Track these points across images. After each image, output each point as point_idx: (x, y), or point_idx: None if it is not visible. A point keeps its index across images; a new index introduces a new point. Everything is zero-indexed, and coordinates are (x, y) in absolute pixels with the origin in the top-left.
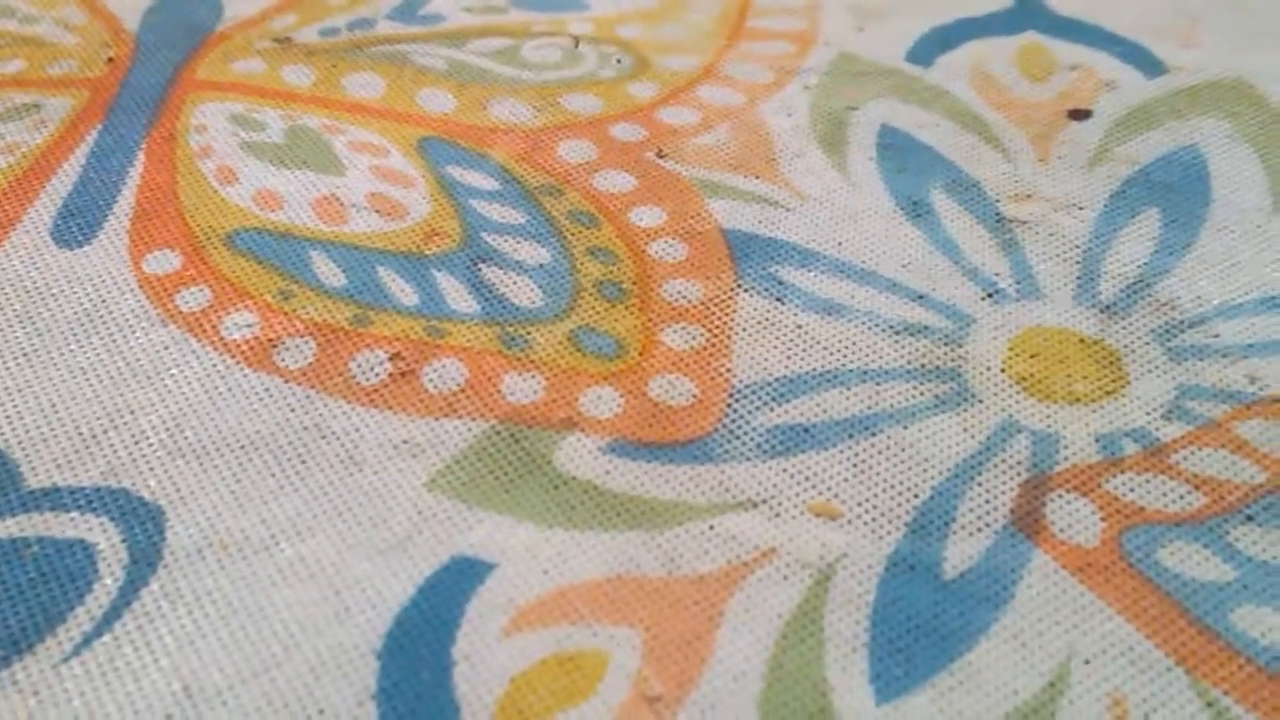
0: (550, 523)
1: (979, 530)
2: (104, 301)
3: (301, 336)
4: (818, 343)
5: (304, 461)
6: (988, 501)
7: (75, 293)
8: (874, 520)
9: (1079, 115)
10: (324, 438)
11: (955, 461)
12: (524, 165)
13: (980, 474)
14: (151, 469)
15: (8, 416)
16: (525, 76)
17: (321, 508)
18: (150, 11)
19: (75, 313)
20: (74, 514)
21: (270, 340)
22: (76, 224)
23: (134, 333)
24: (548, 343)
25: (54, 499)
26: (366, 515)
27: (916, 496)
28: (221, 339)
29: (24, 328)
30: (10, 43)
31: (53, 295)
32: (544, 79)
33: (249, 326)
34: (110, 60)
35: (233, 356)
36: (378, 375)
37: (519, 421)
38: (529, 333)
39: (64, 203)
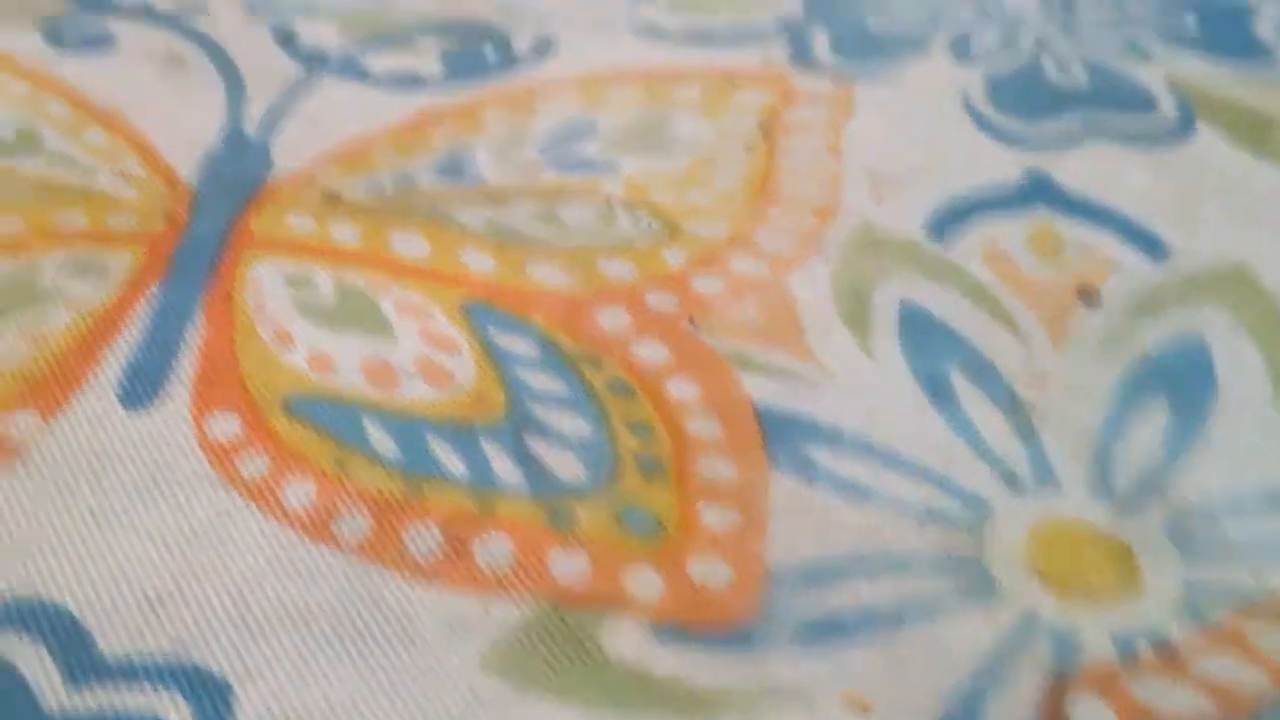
0: (596, 706)
1: None
2: (168, 464)
3: (357, 507)
4: (847, 527)
5: (363, 637)
6: (1014, 701)
7: (140, 455)
8: (905, 714)
9: (1088, 298)
10: (381, 613)
11: (981, 657)
12: (564, 332)
13: (1005, 670)
14: (219, 640)
15: (79, 579)
16: (562, 239)
17: (380, 685)
18: (206, 165)
19: (140, 475)
20: (146, 686)
21: (328, 510)
22: (140, 385)
23: (197, 497)
24: (591, 519)
25: (126, 670)
26: (423, 695)
27: (944, 693)
28: (282, 507)
29: (91, 488)
30: (72, 195)
31: (118, 456)
32: (580, 243)
33: (307, 495)
34: (168, 215)
35: (293, 526)
36: (430, 549)
37: (567, 601)
38: (573, 508)
39: (128, 363)
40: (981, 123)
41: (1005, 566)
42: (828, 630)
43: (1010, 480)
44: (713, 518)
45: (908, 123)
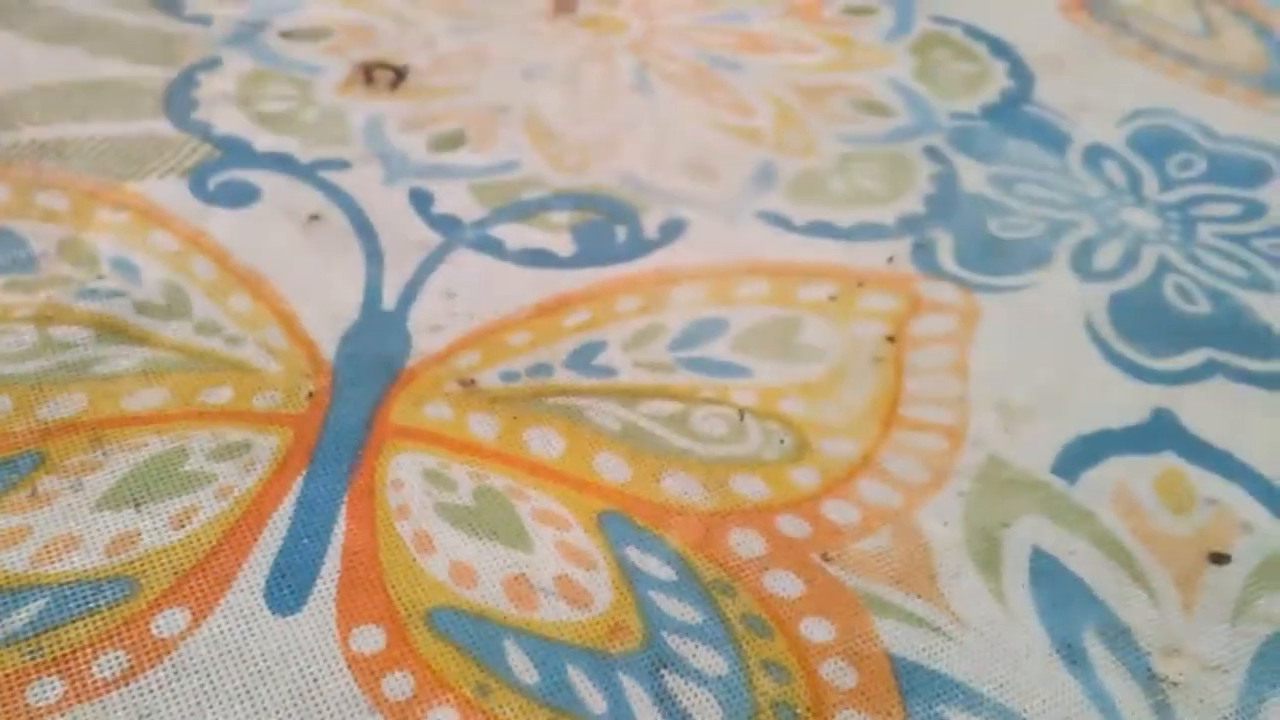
0: None
1: None
2: (316, 681)
3: None
4: None
5: None
6: None
7: (289, 669)
8: None
9: (1219, 559)
10: None
11: None
12: (698, 554)
13: None
14: None
15: None
16: (695, 449)
17: None
18: (346, 340)
19: (290, 692)
20: None
21: None
22: (288, 586)
23: None
24: None
25: None
26: None
27: None
28: None
29: (243, 705)
30: (218, 365)
31: (269, 670)
32: (713, 454)
33: None
34: (311, 395)
35: None
36: None
37: None
38: None
39: (275, 561)
40: (1106, 351)
41: None
42: None
43: None
44: None
45: (1033, 345)
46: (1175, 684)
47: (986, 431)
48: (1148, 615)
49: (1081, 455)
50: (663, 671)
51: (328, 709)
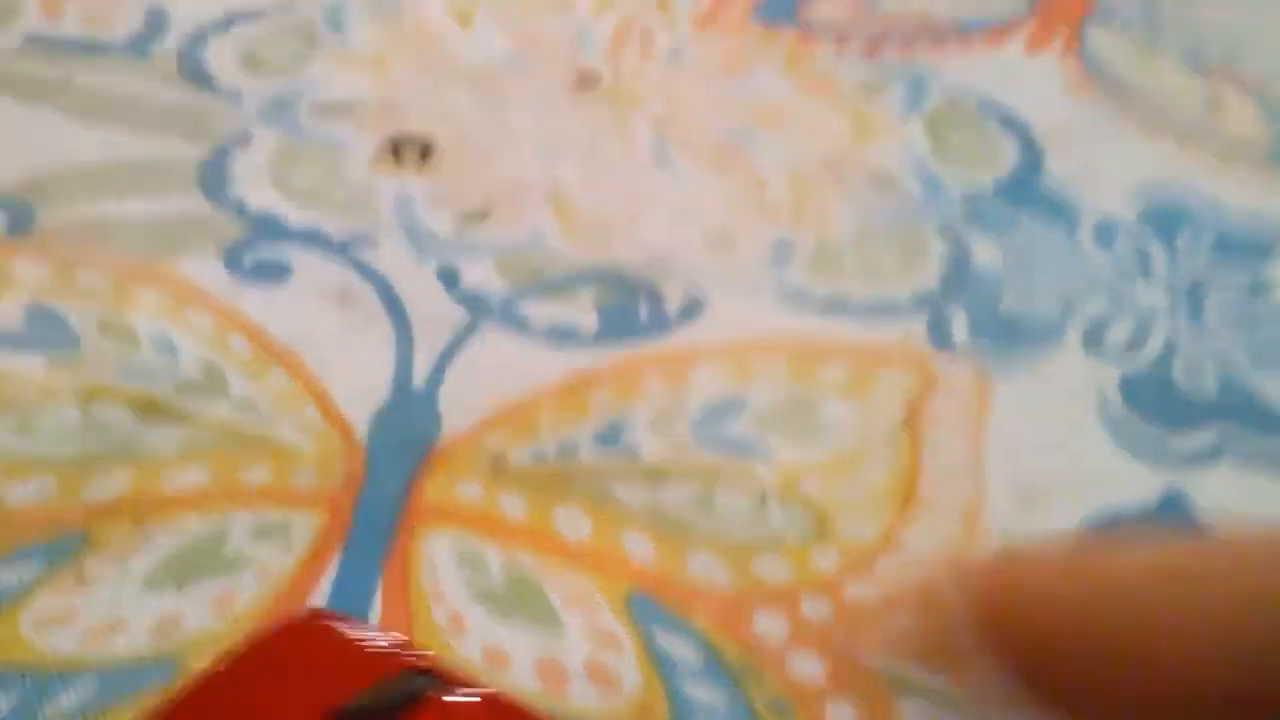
0: None
1: None
2: None
3: None
4: None
5: None
6: None
7: None
8: None
9: None
10: None
11: None
12: (724, 636)
13: None
14: None
15: None
16: (718, 530)
17: None
18: (378, 419)
19: None
20: None
21: None
22: None
23: None
24: None
25: None
26: None
27: None
28: None
29: None
30: (256, 444)
31: None
32: (736, 535)
33: None
34: (345, 477)
35: None
36: None
37: None
38: None
39: None
40: (1117, 431)
41: None
42: None
43: None
44: None
45: (1046, 425)
46: None
47: (1001, 512)
48: None
49: (1092, 533)
50: None
51: None
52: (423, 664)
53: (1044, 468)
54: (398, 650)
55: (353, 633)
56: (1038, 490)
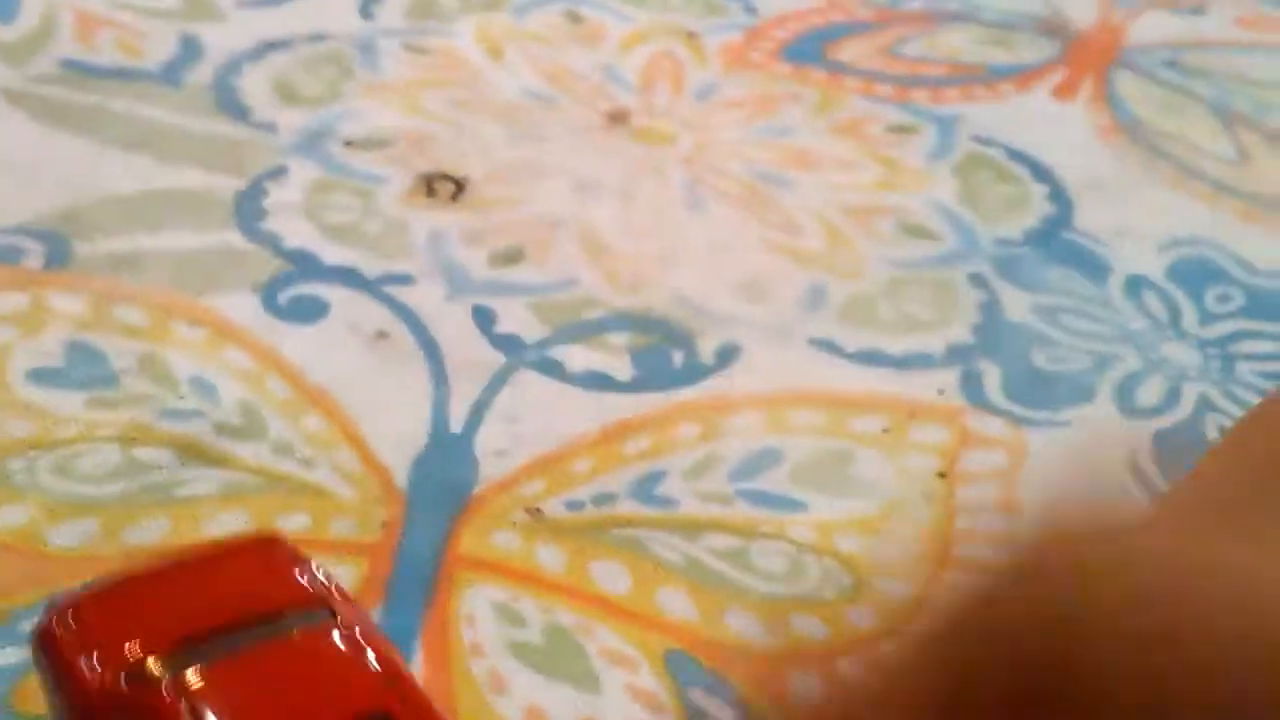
0: None
1: None
2: None
3: None
4: None
5: None
6: None
7: None
8: None
9: None
10: None
11: None
12: (760, 695)
13: None
14: None
15: None
16: (756, 585)
17: None
18: (416, 465)
19: None
20: None
21: None
22: None
23: None
24: None
25: None
26: None
27: None
28: None
29: None
30: (294, 489)
31: None
32: (773, 591)
33: None
34: (384, 524)
35: None
36: None
37: None
38: None
39: None
40: (1149, 491)
41: None
42: None
43: None
44: None
45: (1078, 484)
46: None
47: None
48: None
49: None
50: None
51: None
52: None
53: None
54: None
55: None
56: None
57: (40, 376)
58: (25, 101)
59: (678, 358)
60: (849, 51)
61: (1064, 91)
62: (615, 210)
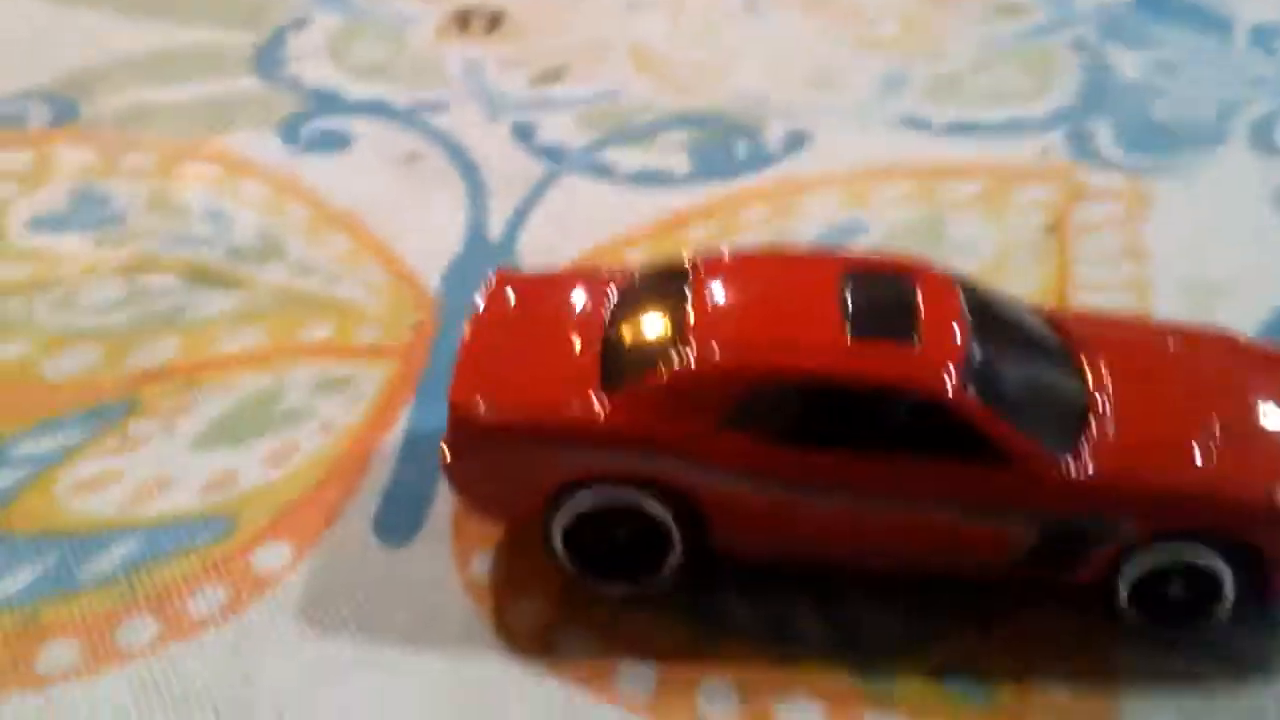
0: None
1: None
2: (432, 610)
3: (642, 659)
4: (1217, 700)
5: None
6: None
7: (402, 598)
8: None
9: None
10: None
11: None
12: None
13: None
14: None
15: None
16: None
17: None
18: (450, 272)
19: (404, 622)
20: None
21: (610, 662)
22: (399, 518)
23: (464, 650)
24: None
25: None
26: None
27: None
28: (556, 660)
29: (354, 637)
30: (317, 304)
31: (381, 601)
32: None
33: (585, 646)
34: (416, 326)
35: (571, 682)
36: (726, 710)
37: None
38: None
39: (385, 493)
40: None
41: None
42: None
43: None
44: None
45: (1216, 224)
46: None
47: (1173, 313)
48: None
49: None
50: None
51: (447, 639)
52: None
53: (1220, 266)
54: None
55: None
56: (1216, 289)
57: (42, 224)
58: None
59: (741, 148)
60: None
61: None
62: (665, 23)
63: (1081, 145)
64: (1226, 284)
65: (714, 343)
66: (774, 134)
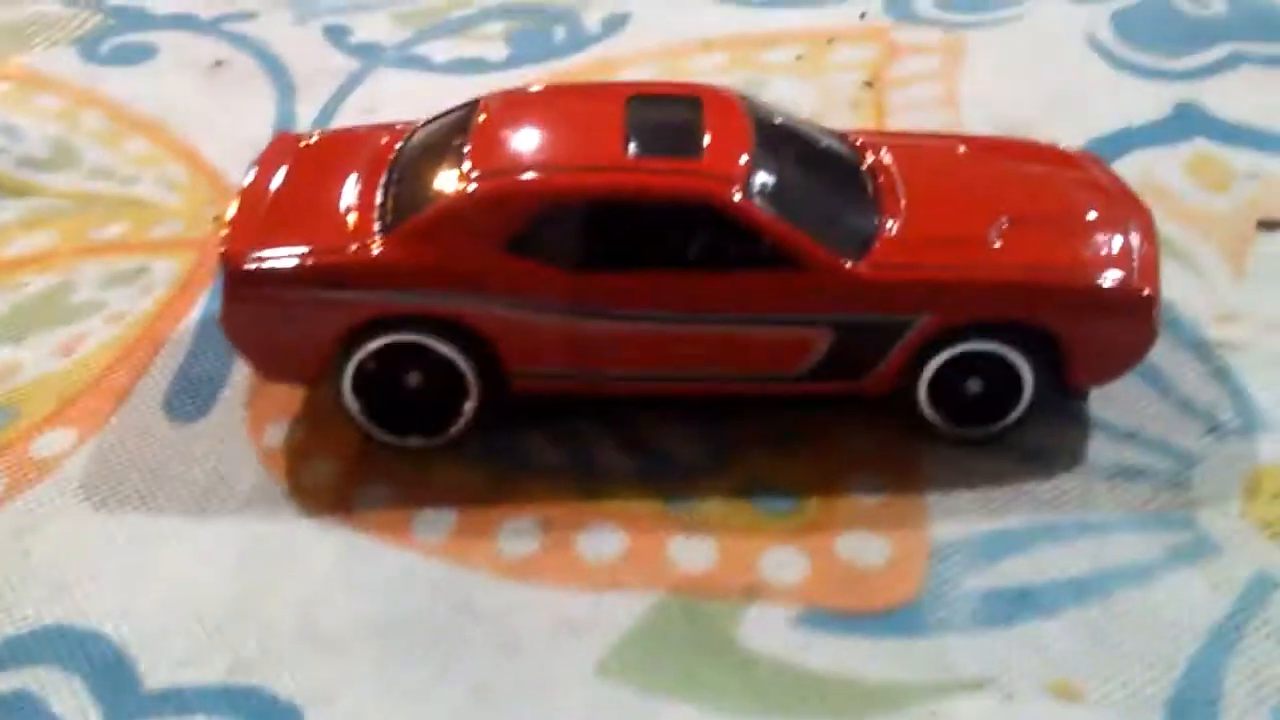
0: (742, 710)
1: (1254, 708)
2: (224, 478)
3: (441, 506)
4: (1023, 492)
5: (455, 648)
6: (1256, 673)
7: (193, 470)
8: (1124, 700)
9: (1270, 225)
10: (475, 619)
11: (1208, 626)
12: None
13: (1241, 640)
14: (284, 663)
15: (124, 610)
16: None
17: (481, 701)
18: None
19: (194, 492)
20: (200, 717)
21: (407, 512)
22: (191, 396)
23: (258, 511)
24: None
25: (176, 701)
26: (533, 708)
27: (1170, 669)
28: (353, 514)
29: (139, 510)
30: (112, 205)
31: (169, 474)
32: None
33: (383, 499)
34: (217, 219)
35: (366, 532)
36: (527, 546)
37: (692, 593)
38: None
39: (176, 374)
40: (1114, 60)
41: (1222, 521)
42: (1015, 605)
43: (1214, 426)
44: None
45: (1028, 67)
46: (1235, 347)
47: None
48: (1194, 286)
49: (1099, 153)
50: None
51: (237, 504)
52: None
53: (1029, 103)
54: None
55: None
56: (1022, 123)
57: None
58: None
59: (559, 33)
60: None
61: None
62: None
63: (900, 6)
64: (1040, 121)
65: (490, 169)
66: (592, 16)
